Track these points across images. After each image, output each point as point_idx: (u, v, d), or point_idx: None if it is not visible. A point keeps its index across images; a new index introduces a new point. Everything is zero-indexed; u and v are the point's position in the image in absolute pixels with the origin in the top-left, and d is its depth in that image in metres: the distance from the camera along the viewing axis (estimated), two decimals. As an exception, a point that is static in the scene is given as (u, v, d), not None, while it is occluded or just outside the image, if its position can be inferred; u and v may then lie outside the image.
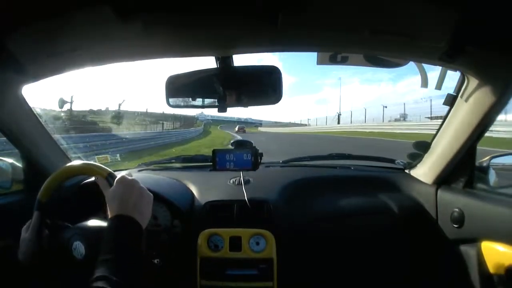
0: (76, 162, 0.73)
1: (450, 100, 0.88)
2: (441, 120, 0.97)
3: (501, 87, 0.74)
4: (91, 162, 0.72)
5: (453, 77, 0.84)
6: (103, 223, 0.75)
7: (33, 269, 0.67)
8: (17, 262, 0.65)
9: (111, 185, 0.64)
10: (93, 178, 0.75)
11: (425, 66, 0.85)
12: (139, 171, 1.32)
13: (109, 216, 0.58)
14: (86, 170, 0.72)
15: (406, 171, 1.18)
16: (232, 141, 1.08)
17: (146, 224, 0.61)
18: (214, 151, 1.02)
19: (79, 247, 0.69)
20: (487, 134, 0.85)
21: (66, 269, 0.72)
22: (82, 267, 0.69)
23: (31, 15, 0.54)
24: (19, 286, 0.70)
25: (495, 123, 0.82)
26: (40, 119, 0.99)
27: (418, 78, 0.89)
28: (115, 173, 0.67)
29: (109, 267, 0.50)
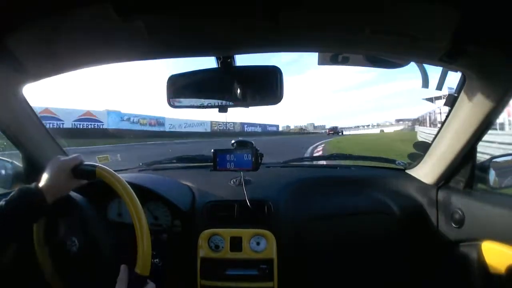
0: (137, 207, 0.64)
1: (451, 101, 0.88)
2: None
3: (502, 88, 0.74)
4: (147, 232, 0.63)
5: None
6: (101, 223, 0.75)
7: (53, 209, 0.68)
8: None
9: (137, 283, 0.60)
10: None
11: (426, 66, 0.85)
12: (140, 171, 1.32)
13: None
14: (139, 234, 0.62)
15: (407, 171, 1.18)
16: (233, 141, 1.07)
17: None
18: (214, 152, 1.02)
19: (74, 241, 0.70)
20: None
21: (60, 261, 0.72)
22: (76, 262, 0.70)
23: (31, 15, 0.54)
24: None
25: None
26: (40, 119, 0.99)
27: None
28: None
29: None
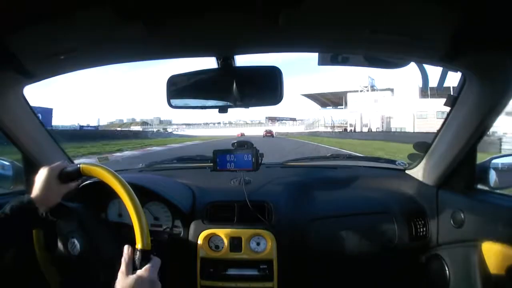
0: (130, 196, 0.64)
1: (451, 101, 0.88)
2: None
3: (502, 88, 0.74)
4: (144, 216, 0.63)
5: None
6: (101, 224, 0.75)
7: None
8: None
9: (142, 259, 0.59)
10: (94, 179, 0.75)
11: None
12: (140, 171, 1.33)
13: None
14: (132, 211, 0.61)
15: (407, 171, 1.18)
16: (233, 142, 1.08)
17: None
18: (214, 152, 1.02)
19: (75, 244, 0.70)
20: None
21: (62, 263, 0.72)
22: (77, 264, 0.70)
23: (32, 15, 0.54)
24: None
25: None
26: (40, 119, 0.99)
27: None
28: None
29: None
